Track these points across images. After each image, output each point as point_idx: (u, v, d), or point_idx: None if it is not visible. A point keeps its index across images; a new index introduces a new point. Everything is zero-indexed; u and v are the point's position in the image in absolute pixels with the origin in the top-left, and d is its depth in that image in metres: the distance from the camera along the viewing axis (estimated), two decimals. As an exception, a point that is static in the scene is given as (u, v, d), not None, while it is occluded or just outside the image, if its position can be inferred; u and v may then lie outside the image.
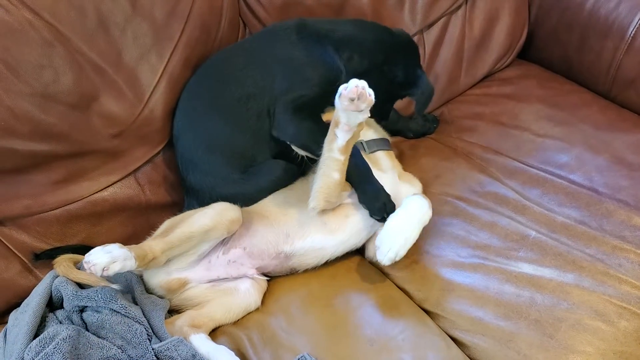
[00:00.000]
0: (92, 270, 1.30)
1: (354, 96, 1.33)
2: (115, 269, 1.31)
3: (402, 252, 1.44)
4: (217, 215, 1.48)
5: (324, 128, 1.46)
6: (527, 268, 1.48)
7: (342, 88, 1.35)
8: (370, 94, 1.34)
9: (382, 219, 1.49)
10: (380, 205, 1.49)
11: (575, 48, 2.04)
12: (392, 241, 1.44)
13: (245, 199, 1.59)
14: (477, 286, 1.48)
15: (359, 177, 1.52)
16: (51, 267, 1.51)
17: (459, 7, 2.03)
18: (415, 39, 1.97)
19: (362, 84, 1.33)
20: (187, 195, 1.69)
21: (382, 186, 1.52)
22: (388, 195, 1.52)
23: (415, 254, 1.58)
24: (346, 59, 1.62)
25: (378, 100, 1.37)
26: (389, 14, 1.89)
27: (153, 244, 1.43)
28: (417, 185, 1.69)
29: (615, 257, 1.47)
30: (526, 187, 1.69)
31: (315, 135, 1.50)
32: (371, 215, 1.51)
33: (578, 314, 1.38)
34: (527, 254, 1.52)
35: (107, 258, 1.31)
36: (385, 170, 1.64)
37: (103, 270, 1.30)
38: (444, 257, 1.57)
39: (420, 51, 1.99)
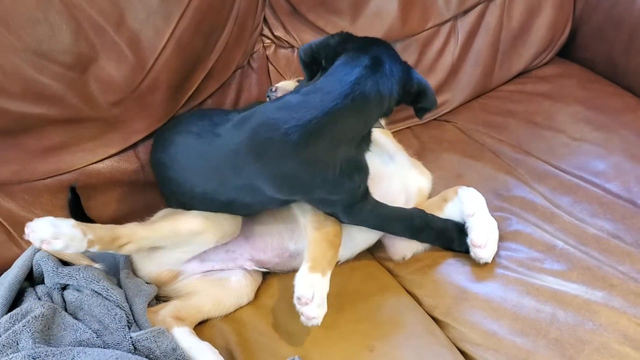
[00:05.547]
0: (30, 237, 1.24)
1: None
2: (56, 246, 1.26)
3: None
4: (209, 222, 1.40)
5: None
6: (551, 281, 1.39)
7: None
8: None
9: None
10: (454, 245, 1.51)
11: (623, 48, 1.93)
12: (493, 238, 1.45)
13: None
14: (493, 297, 1.39)
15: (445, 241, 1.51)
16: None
17: (498, -7, 1.96)
18: (448, 25, 1.92)
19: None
20: None
21: (443, 227, 1.50)
22: (456, 225, 1.50)
23: (429, 257, 1.53)
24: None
25: None
26: (421, -3, 1.82)
27: (135, 228, 1.36)
28: (428, 175, 1.64)
29: (651, 277, 1.37)
30: (556, 194, 1.60)
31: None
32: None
33: (604, 337, 1.28)
34: (553, 266, 1.43)
35: (50, 231, 1.25)
36: (393, 153, 1.56)
37: (42, 242, 1.24)
38: (460, 263, 1.49)
39: (453, 39, 1.94)
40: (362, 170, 1.34)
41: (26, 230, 1.24)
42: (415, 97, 1.37)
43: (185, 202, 1.43)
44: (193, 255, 1.45)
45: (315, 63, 1.39)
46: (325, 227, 1.38)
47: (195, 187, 1.39)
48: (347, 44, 1.36)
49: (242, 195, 1.35)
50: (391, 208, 1.42)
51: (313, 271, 1.31)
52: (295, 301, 1.30)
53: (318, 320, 1.29)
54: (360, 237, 1.51)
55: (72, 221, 1.28)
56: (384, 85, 1.29)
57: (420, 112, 1.42)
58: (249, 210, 1.44)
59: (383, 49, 1.35)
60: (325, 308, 1.31)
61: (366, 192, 1.38)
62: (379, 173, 1.46)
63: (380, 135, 1.59)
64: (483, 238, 1.43)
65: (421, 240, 1.51)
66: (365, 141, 1.35)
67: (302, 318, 1.29)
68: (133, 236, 1.34)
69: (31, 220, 1.48)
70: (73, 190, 1.55)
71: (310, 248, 1.36)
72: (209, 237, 1.41)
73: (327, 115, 1.24)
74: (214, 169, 1.36)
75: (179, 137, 1.44)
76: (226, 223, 1.42)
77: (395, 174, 1.53)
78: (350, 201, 1.35)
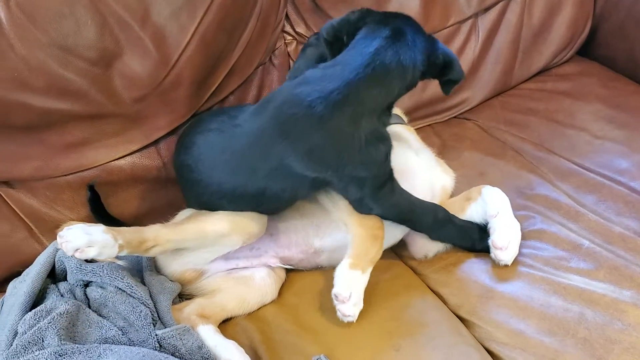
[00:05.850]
0: (63, 247, 1.22)
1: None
2: (90, 254, 1.24)
3: None
4: (235, 223, 1.38)
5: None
6: (577, 280, 1.36)
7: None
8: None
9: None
10: (475, 244, 1.48)
11: (644, 46, 1.91)
12: (515, 241, 1.43)
13: None
14: (520, 296, 1.36)
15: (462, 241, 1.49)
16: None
17: (519, -9, 1.93)
18: (469, 23, 1.90)
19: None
20: None
21: (464, 225, 1.48)
22: (475, 227, 1.48)
23: (452, 256, 1.51)
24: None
25: None
26: (443, -5, 1.79)
27: (160, 231, 1.34)
28: (451, 173, 1.61)
29: (680, 277, 1.34)
30: (580, 192, 1.58)
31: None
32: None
33: (634, 337, 1.25)
34: (579, 265, 1.40)
35: (84, 240, 1.23)
36: (417, 150, 1.54)
37: (75, 251, 1.22)
38: (484, 262, 1.46)
39: (474, 37, 1.93)
40: (386, 139, 1.33)
41: (59, 239, 1.22)
42: (441, 70, 1.35)
43: (212, 202, 1.40)
44: (218, 256, 1.43)
45: (337, 41, 1.37)
46: (367, 218, 1.35)
47: (223, 184, 1.36)
48: (367, 18, 1.35)
49: (272, 183, 1.32)
50: (416, 197, 1.40)
51: (354, 268, 1.30)
52: (332, 297, 1.30)
53: (353, 318, 1.30)
54: (396, 230, 1.48)
55: (102, 227, 1.26)
56: (405, 55, 1.28)
57: (447, 85, 1.39)
58: (278, 201, 1.39)
59: (405, 21, 1.34)
60: (361, 305, 1.31)
61: (392, 171, 1.35)
62: (404, 168, 1.43)
63: (404, 131, 1.57)
64: (505, 240, 1.41)
65: (442, 238, 1.48)
66: (385, 114, 1.33)
67: (339, 314, 1.30)
68: (158, 239, 1.32)
69: (53, 217, 1.51)
70: (92, 188, 1.53)
71: (355, 244, 1.34)
72: (236, 239, 1.39)
73: (349, 86, 1.24)
74: (240, 160, 1.34)
75: (199, 137, 1.41)
76: (253, 224, 1.39)
77: (421, 170, 1.51)
78: (378, 179, 1.32)
